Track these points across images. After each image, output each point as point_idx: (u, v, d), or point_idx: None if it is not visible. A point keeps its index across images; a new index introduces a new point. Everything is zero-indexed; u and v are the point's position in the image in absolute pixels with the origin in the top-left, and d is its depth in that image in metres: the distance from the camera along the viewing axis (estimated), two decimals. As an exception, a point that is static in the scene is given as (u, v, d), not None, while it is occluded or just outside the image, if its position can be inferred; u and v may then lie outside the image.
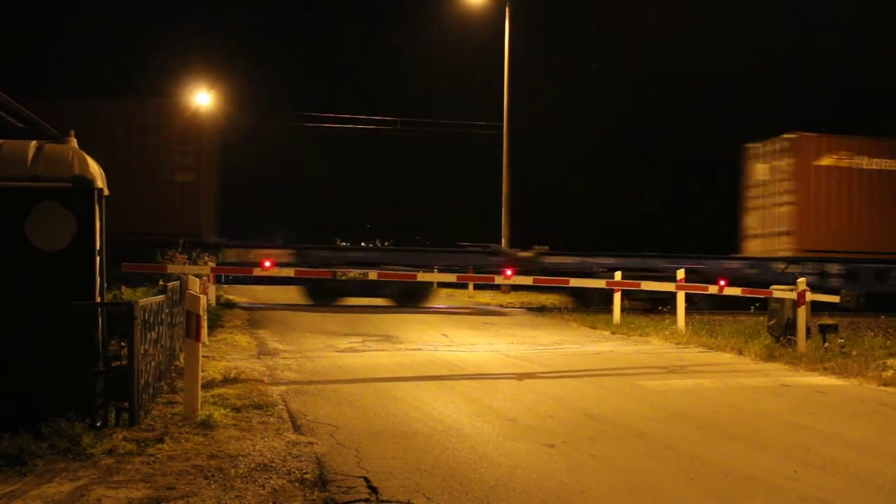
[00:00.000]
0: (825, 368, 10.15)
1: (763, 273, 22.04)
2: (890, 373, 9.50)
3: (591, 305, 19.79)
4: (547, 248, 22.55)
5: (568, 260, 22.25)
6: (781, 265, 22.59)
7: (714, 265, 22.12)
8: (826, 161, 23.21)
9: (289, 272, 13.28)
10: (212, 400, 7.00)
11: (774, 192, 23.34)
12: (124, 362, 6.18)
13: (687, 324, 14.50)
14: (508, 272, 14.61)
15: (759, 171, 24.19)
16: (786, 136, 23.44)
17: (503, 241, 25.90)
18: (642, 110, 42.28)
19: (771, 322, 12.46)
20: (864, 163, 23.47)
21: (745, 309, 17.20)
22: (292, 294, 21.04)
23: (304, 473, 5.15)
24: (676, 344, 13.11)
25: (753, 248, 24.05)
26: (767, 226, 23.58)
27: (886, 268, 23.02)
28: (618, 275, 16.81)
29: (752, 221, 24.27)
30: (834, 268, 22.73)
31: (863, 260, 22.97)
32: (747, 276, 21.56)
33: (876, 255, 23.10)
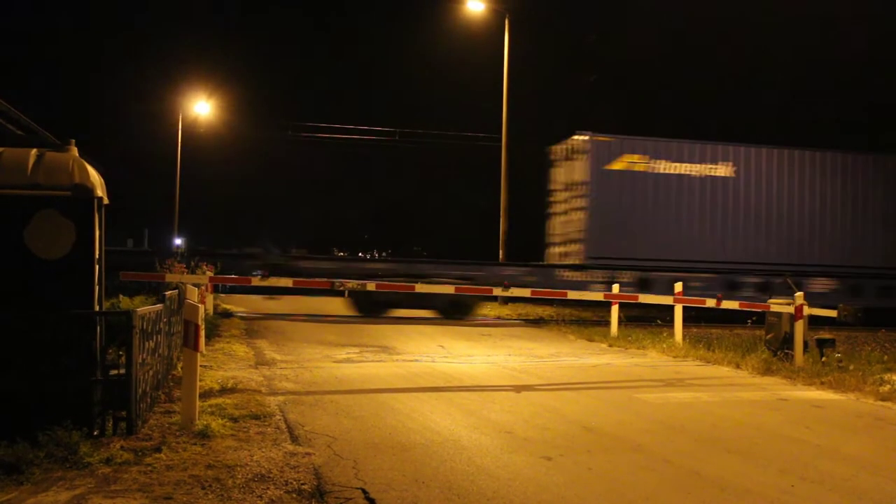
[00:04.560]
0: (822, 383, 10.15)
1: (546, 280, 21.83)
2: (887, 388, 9.51)
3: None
4: None
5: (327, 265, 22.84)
6: (567, 273, 22.06)
7: (490, 272, 21.58)
8: (618, 165, 22.33)
9: (287, 282, 13.25)
10: (209, 410, 6.99)
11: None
12: (122, 371, 6.18)
13: (684, 337, 14.50)
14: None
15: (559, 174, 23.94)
16: (576, 137, 22.73)
17: (500, 251, 25.88)
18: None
19: (768, 336, 12.48)
20: (663, 167, 22.65)
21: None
22: (289, 304, 21.01)
23: (302, 484, 5.14)
24: (674, 357, 13.11)
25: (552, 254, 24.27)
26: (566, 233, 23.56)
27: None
28: (615, 287, 16.84)
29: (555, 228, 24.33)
30: (625, 276, 21.88)
31: (661, 268, 22.22)
32: (527, 284, 20.82)
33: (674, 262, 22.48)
